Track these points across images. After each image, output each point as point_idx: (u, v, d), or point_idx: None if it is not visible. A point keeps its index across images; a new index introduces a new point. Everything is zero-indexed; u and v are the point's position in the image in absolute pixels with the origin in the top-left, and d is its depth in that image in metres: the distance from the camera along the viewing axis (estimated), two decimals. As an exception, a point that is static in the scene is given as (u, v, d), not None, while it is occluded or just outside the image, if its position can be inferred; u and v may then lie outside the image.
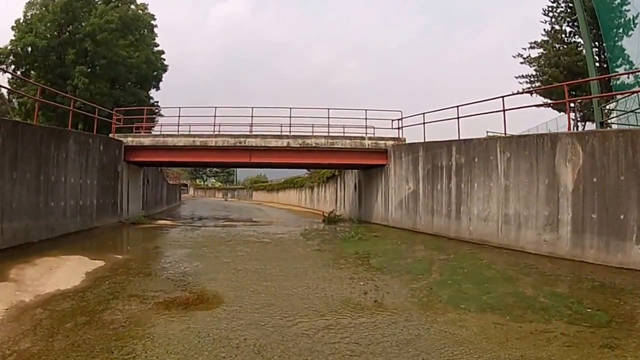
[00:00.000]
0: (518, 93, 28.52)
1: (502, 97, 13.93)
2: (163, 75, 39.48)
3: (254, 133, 21.76)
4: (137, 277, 8.92)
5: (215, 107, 22.04)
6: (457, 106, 16.04)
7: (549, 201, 11.17)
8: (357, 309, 6.82)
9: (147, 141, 21.19)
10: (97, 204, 17.62)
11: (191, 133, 22.09)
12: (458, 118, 16.06)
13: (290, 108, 22.08)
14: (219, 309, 6.68)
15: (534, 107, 23.84)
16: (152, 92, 39.79)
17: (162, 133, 22.52)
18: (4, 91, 33.97)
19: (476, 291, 7.75)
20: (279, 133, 22.04)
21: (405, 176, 18.86)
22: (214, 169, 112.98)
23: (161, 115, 33.60)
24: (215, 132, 21.73)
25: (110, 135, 21.15)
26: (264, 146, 21.14)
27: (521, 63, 33.77)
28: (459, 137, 15.61)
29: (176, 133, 21.97)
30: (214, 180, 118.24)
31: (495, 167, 13.02)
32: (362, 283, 8.60)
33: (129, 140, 20.96)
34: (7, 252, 10.80)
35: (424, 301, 7.31)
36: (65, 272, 8.97)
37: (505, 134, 13.44)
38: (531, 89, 30.74)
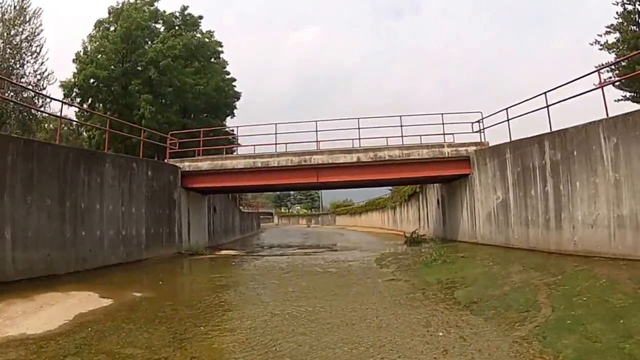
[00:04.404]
0: (615, 62, 26.12)
1: (598, 70, 11.71)
2: (236, 102, 39.27)
3: (320, 149, 20.48)
4: (134, 323, 7.72)
5: (276, 124, 21.03)
6: (545, 92, 13.79)
7: (675, 192, 8.82)
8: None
9: (205, 165, 20.48)
10: (146, 234, 17.05)
11: (251, 154, 21.17)
12: (547, 106, 13.73)
13: (359, 118, 20.67)
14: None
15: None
16: (228, 121, 39.77)
17: (221, 156, 21.84)
18: (74, 124, 35.08)
19: (612, 336, 5.61)
20: (350, 147, 20.54)
21: (492, 184, 16.80)
22: (298, 195, 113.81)
23: (238, 144, 33.15)
24: (278, 152, 20.71)
25: (165, 161, 20.72)
26: (332, 163, 19.86)
27: (599, 49, 30.98)
28: (550, 128, 13.34)
29: (235, 155, 21.18)
30: (298, 208, 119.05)
31: (600, 158, 10.71)
32: (441, 333, 6.70)
33: (186, 165, 20.38)
34: (19, 285, 10.16)
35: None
36: (53, 312, 8.19)
37: (607, 115, 11.11)
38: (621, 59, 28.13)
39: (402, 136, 20.43)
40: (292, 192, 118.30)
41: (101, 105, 33.08)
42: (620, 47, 29.22)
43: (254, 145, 22.03)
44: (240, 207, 39.55)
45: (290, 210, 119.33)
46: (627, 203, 9.92)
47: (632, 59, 23.66)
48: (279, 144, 21.07)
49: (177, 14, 36.40)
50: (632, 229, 9.76)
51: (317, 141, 20.80)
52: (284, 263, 17.25)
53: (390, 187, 42.09)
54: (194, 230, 21.54)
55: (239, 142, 30.58)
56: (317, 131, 20.76)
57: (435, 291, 10.00)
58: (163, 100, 33.60)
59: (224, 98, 37.23)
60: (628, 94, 28.43)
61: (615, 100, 26.75)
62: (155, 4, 35.71)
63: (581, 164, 11.47)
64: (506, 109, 16.56)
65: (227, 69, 38.89)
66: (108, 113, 30.68)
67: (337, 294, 10.18)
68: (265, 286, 11.81)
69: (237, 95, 39.10)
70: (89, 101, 32.27)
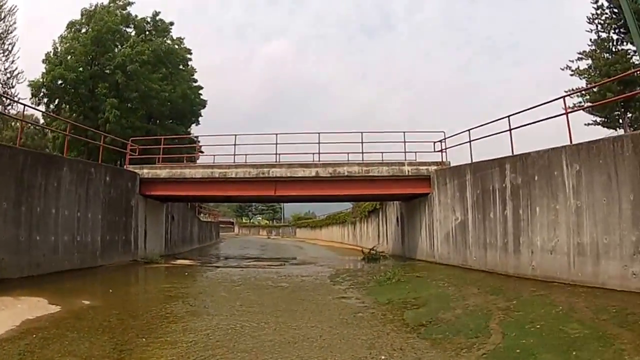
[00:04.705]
0: (580, 90, 26.83)
1: (564, 97, 11.58)
2: (202, 111, 38.98)
3: (279, 162, 19.95)
4: (77, 332, 7.54)
5: (235, 135, 20.49)
6: (509, 116, 13.62)
7: (636, 222, 8.55)
8: None
9: (163, 173, 19.70)
10: (102, 241, 16.48)
11: (210, 164, 20.58)
12: (510, 130, 13.57)
13: (319, 133, 20.11)
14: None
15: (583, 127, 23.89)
16: (193, 128, 39.48)
17: (180, 164, 21.06)
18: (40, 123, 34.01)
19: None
20: (308, 162, 19.99)
21: (451, 205, 16.49)
22: (260, 206, 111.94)
23: (201, 152, 32.43)
24: (236, 163, 20.10)
25: (125, 167, 19.94)
26: (290, 177, 19.35)
27: (570, 75, 31.69)
28: (512, 152, 13.12)
29: (194, 164, 20.45)
30: (260, 218, 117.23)
31: (561, 184, 10.48)
32: (384, 357, 6.29)
33: (145, 172, 19.59)
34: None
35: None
36: (1, 318, 8.09)
37: (570, 141, 10.91)
38: (587, 87, 28.90)
39: (362, 152, 20.12)
40: (253, 203, 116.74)
41: (67, 106, 32.52)
42: (592, 74, 29.82)
43: (214, 155, 21.61)
44: (200, 216, 38.66)
45: (251, 220, 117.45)
46: (587, 231, 9.65)
47: (604, 85, 24.10)
48: (238, 155, 20.57)
49: (149, 19, 36.07)
50: (592, 257, 9.48)
51: (276, 154, 20.32)
52: (236, 275, 16.67)
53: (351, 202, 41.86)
54: (150, 238, 20.75)
55: (201, 150, 29.96)
56: (276, 144, 20.29)
57: (385, 311, 9.59)
58: (129, 105, 33.05)
59: (190, 105, 37.04)
60: (599, 119, 28.92)
61: (585, 124, 27.52)
62: (128, 8, 35.38)
63: (542, 189, 11.22)
64: (468, 130, 16.37)
65: (195, 76, 38.69)
66: (74, 115, 30.37)
67: (284, 310, 9.81)
68: (214, 299, 11.51)
69: (203, 103, 38.89)
70: (56, 102, 31.85)
